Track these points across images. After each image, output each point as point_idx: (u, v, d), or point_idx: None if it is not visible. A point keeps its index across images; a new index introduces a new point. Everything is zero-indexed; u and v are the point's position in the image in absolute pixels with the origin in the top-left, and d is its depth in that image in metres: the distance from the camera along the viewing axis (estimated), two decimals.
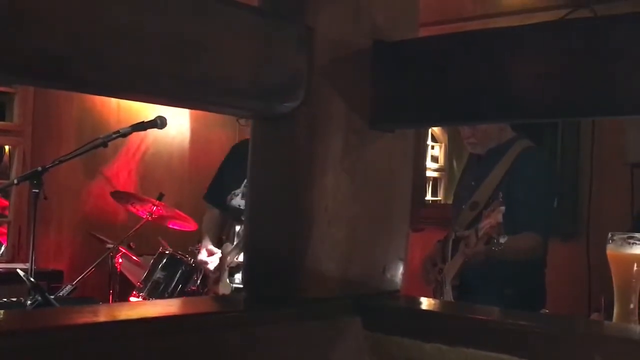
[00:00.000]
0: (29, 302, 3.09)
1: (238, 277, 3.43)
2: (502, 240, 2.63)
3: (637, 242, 2.03)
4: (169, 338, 1.15)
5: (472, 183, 3.15)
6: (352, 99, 1.39)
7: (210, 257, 3.61)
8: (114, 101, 5.33)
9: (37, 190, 3.32)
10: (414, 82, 1.41)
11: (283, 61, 1.29)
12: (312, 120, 1.34)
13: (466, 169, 3.47)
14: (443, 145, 6.78)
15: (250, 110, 1.33)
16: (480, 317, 1.32)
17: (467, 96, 1.35)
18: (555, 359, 1.17)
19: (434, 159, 6.68)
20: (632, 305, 2.02)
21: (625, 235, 2.05)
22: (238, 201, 3.51)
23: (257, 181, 1.43)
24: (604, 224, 3.66)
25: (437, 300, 1.35)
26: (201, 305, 1.49)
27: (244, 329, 1.26)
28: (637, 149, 3.88)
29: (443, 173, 6.91)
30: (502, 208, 2.69)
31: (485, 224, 2.72)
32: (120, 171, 5.46)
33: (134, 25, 1.10)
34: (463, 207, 3.11)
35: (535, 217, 2.93)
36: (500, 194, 2.88)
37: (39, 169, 3.32)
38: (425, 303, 1.45)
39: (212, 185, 3.89)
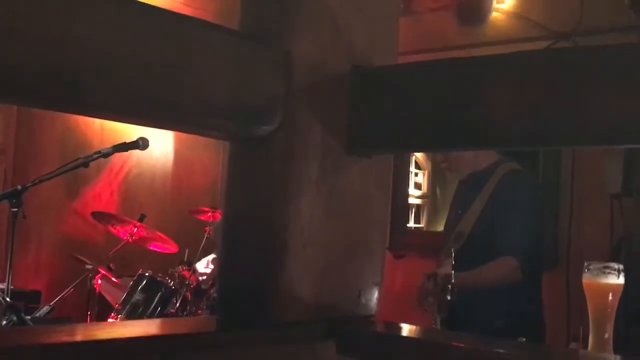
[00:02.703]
0: (4, 322, 3.06)
1: None
2: (453, 293, 2.64)
3: (613, 271, 2.05)
4: (141, 359, 1.15)
5: (459, 211, 3.11)
6: (329, 124, 1.40)
7: (205, 268, 3.65)
8: (97, 121, 5.32)
9: (16, 209, 3.30)
10: (390, 108, 1.42)
11: (261, 85, 1.30)
12: (289, 143, 1.35)
13: (455, 196, 3.42)
14: (426, 172, 6.80)
15: (227, 132, 1.33)
16: (456, 343, 1.32)
17: (443, 123, 1.36)
18: None
19: (417, 186, 6.70)
20: (607, 335, 2.03)
21: (601, 265, 2.06)
22: None
23: (233, 203, 1.43)
24: (583, 253, 3.68)
25: (413, 326, 1.35)
26: (174, 326, 1.48)
27: (215, 351, 1.26)
28: (616, 180, 3.91)
29: (426, 200, 6.92)
30: (450, 260, 2.68)
31: (440, 272, 2.71)
32: (103, 192, 5.44)
33: (113, 46, 1.11)
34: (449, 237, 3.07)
35: (514, 240, 2.85)
36: (451, 250, 2.84)
37: (19, 187, 3.31)
38: (401, 329, 1.45)
39: None
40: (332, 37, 1.41)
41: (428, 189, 6.91)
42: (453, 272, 2.62)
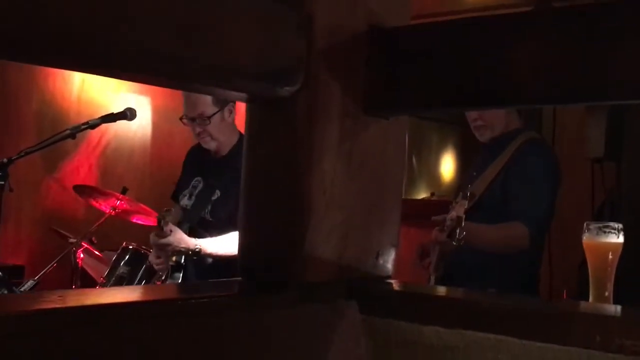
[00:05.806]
0: None
1: (178, 276, 3.49)
2: (461, 236, 2.63)
3: (612, 231, 2.09)
4: (165, 322, 1.14)
5: (474, 173, 3.12)
6: (349, 84, 1.40)
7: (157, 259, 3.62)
8: (74, 94, 5.25)
9: (2, 183, 3.25)
10: (408, 68, 1.42)
11: (284, 45, 1.30)
12: (311, 104, 1.35)
13: (474, 160, 3.41)
14: None
15: (252, 93, 1.33)
16: (477, 299, 1.34)
17: (461, 82, 1.37)
18: (555, 337, 1.19)
19: None
20: (607, 293, 2.07)
21: (601, 224, 2.10)
22: (185, 202, 3.63)
23: (254, 166, 1.42)
24: (565, 218, 3.73)
25: (433, 286, 1.37)
26: (197, 290, 1.48)
27: (239, 313, 1.26)
28: (597, 144, 3.96)
29: None
30: (465, 201, 2.69)
31: (451, 216, 2.72)
32: (81, 165, 5.38)
33: (138, 6, 1.09)
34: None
35: (526, 209, 2.86)
36: (469, 186, 2.88)
37: (5, 160, 3.26)
38: (421, 287, 1.46)
39: (176, 185, 3.92)
40: None
41: None
42: (464, 215, 2.61)
